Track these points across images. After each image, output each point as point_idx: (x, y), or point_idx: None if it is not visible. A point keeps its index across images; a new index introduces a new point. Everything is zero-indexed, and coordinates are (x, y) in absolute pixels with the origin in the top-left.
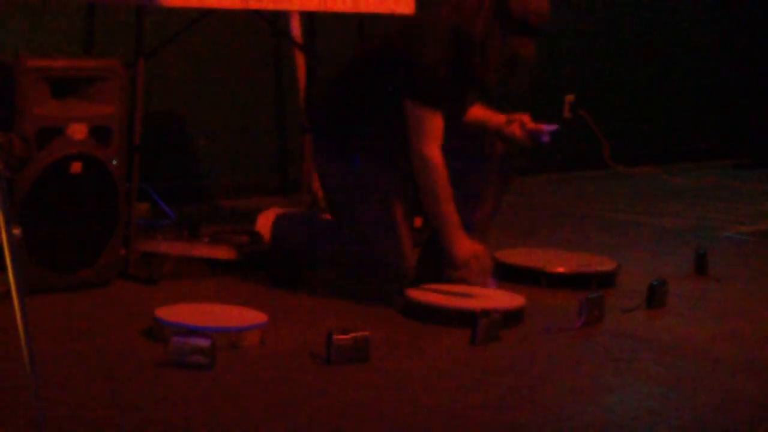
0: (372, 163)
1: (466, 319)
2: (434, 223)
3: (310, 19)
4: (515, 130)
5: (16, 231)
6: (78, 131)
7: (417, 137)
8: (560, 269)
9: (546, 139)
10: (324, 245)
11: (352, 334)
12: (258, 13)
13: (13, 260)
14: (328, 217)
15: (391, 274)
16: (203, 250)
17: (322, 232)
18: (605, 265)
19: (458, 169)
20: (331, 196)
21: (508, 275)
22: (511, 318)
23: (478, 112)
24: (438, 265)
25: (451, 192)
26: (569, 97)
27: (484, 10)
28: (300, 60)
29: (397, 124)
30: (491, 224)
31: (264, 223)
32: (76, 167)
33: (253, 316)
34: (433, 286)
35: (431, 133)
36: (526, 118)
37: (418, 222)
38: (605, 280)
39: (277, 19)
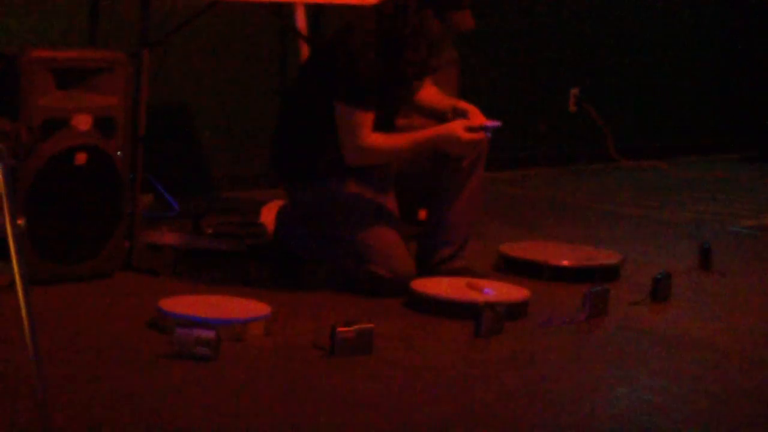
0: (344, 182)
1: (470, 311)
2: (418, 155)
3: (315, 10)
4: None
5: (20, 222)
6: (83, 122)
7: (349, 135)
8: (564, 262)
9: (488, 135)
10: (324, 243)
11: (356, 326)
12: (263, 5)
13: (17, 251)
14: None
15: (391, 288)
16: (207, 242)
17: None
18: (609, 258)
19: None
20: (311, 223)
21: (512, 268)
22: (515, 311)
23: (429, 94)
24: (434, 257)
25: (403, 137)
26: (574, 91)
27: (410, 1)
28: (305, 52)
29: None
30: (473, 220)
31: (268, 215)
32: (81, 158)
33: (257, 308)
34: (436, 279)
35: (362, 127)
36: (473, 111)
37: (422, 214)
38: (609, 274)
39: (282, 10)
